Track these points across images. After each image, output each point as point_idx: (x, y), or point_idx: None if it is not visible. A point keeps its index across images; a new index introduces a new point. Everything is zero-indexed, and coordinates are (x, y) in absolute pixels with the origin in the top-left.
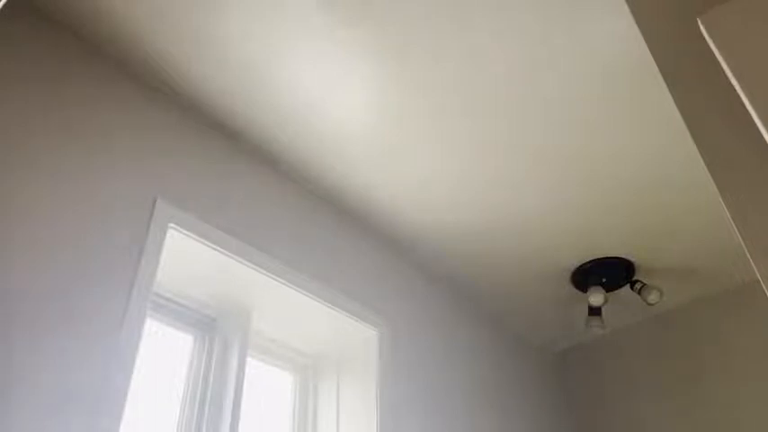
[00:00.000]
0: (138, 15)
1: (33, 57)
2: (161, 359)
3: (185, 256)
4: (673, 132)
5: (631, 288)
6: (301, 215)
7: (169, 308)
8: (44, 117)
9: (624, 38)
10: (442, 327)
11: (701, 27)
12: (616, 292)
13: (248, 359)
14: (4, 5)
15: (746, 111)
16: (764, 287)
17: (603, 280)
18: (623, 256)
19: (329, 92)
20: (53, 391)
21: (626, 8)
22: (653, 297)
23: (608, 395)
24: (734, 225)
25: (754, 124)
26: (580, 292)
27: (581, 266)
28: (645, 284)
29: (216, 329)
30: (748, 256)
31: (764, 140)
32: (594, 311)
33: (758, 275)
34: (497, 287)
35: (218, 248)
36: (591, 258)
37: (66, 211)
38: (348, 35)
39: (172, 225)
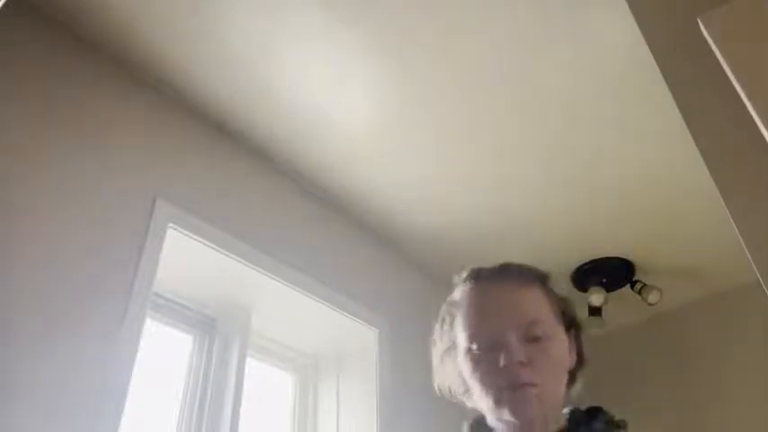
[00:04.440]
0: (138, 14)
1: (33, 56)
2: (161, 359)
3: (185, 256)
4: (673, 132)
5: (631, 288)
6: (301, 215)
7: (169, 308)
8: (44, 116)
9: (625, 38)
10: None
11: (702, 27)
12: (616, 292)
13: (248, 359)
14: (4, 4)
15: (747, 110)
16: (765, 287)
17: (603, 280)
18: (623, 256)
19: (329, 92)
20: (53, 391)
21: (627, 8)
22: (653, 297)
23: (608, 395)
24: (735, 225)
25: (755, 124)
26: (580, 292)
27: (581, 266)
28: (645, 284)
29: (216, 329)
30: (749, 256)
31: (765, 140)
32: (595, 311)
33: (758, 275)
34: None
35: (218, 248)
36: (591, 258)
37: (65, 211)
38: (348, 35)
39: (171, 225)
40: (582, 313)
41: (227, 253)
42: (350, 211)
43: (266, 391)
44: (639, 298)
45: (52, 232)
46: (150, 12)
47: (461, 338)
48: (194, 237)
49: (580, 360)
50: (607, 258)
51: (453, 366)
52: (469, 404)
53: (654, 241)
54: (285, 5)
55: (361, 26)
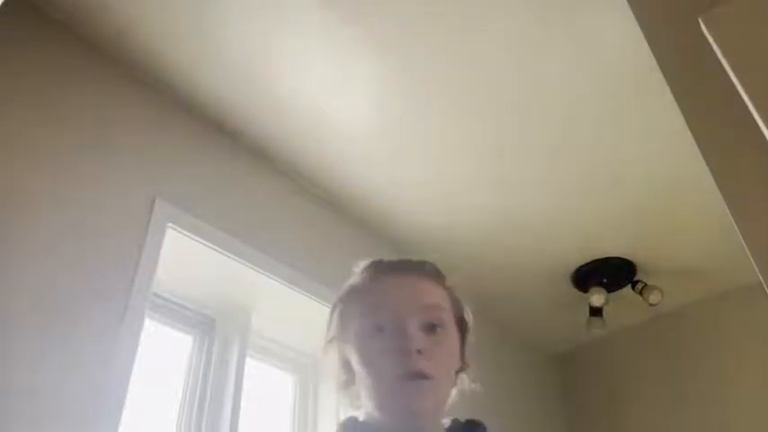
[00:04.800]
0: (138, 14)
1: (33, 56)
2: (160, 360)
3: (184, 257)
4: (674, 132)
5: (632, 288)
6: (301, 215)
7: (168, 308)
8: (42, 116)
9: (626, 38)
10: None
11: (703, 26)
12: (617, 292)
13: (248, 359)
14: (3, 3)
15: (748, 110)
16: (766, 288)
17: (604, 280)
18: (624, 257)
19: (329, 91)
20: (52, 392)
21: (627, 8)
22: (654, 297)
23: (609, 395)
24: (736, 225)
25: (756, 123)
26: (581, 293)
27: (582, 267)
28: (646, 285)
29: (215, 330)
30: (750, 256)
31: (766, 139)
32: (595, 312)
33: (760, 276)
34: (498, 287)
35: (218, 248)
36: (592, 258)
37: (64, 211)
38: (349, 34)
39: (171, 225)
40: (583, 314)
41: (226, 253)
42: (350, 211)
43: (266, 392)
44: (640, 298)
45: (51, 232)
46: (150, 11)
47: (358, 325)
48: (194, 237)
49: (463, 364)
50: (608, 258)
51: (336, 356)
52: (346, 398)
53: (655, 241)
54: (285, 4)
55: (362, 25)
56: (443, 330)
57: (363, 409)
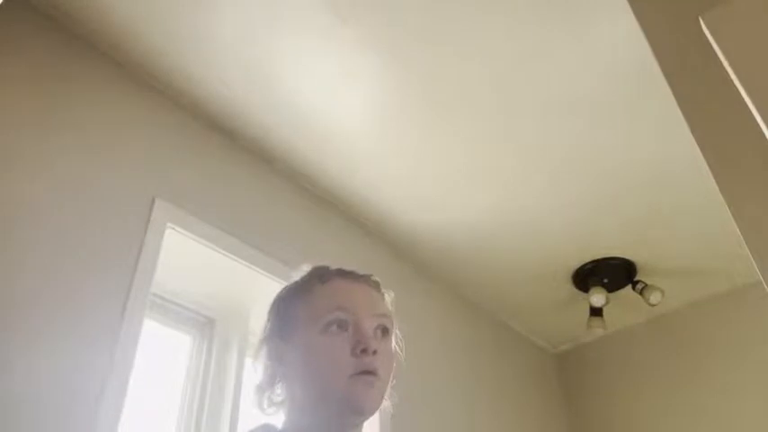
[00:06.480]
0: (138, 15)
1: (33, 57)
2: (160, 360)
3: (184, 257)
4: (675, 132)
5: (633, 288)
6: (300, 215)
7: (167, 308)
8: (42, 116)
9: (626, 37)
10: (443, 327)
11: (703, 26)
12: (617, 292)
13: (247, 360)
14: (3, 3)
15: (748, 109)
16: (767, 287)
17: (605, 280)
18: (625, 257)
19: (329, 91)
20: (52, 392)
21: (628, 8)
22: (654, 297)
23: (609, 396)
24: (736, 225)
25: (757, 123)
26: (581, 293)
27: (582, 267)
28: (646, 285)
29: (214, 330)
30: (750, 257)
31: (766, 139)
32: (596, 312)
33: (760, 277)
34: (498, 287)
35: (217, 248)
36: (592, 258)
37: (63, 211)
38: (349, 34)
39: (170, 225)
40: (583, 314)
41: (225, 253)
42: (349, 211)
43: None
44: (641, 298)
45: (50, 232)
46: (150, 11)
47: (311, 321)
48: (193, 237)
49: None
50: (608, 258)
51: (266, 355)
52: (264, 399)
53: (656, 241)
54: (286, 5)
55: (363, 25)
56: (389, 337)
57: (288, 411)
